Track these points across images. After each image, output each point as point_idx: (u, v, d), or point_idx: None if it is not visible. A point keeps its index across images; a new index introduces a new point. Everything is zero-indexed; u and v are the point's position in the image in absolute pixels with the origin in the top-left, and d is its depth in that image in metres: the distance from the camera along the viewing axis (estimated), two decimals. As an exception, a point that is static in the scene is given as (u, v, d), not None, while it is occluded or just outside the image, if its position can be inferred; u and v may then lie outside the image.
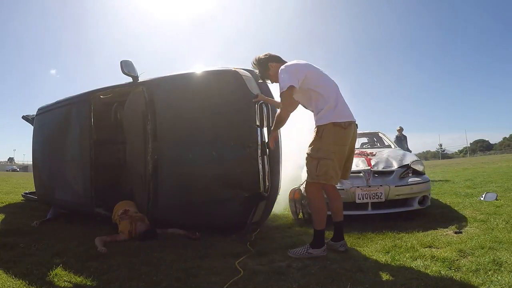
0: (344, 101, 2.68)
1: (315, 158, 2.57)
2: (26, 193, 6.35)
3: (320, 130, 2.57)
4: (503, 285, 1.90)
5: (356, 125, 2.69)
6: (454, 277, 2.04)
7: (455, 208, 4.28)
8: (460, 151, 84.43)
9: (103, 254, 2.73)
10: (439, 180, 8.18)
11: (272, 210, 3.74)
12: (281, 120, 2.67)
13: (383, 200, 3.70)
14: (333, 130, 2.53)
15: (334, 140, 2.54)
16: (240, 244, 2.96)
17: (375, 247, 2.76)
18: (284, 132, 3.56)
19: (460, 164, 18.55)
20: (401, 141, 9.65)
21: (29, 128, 5.45)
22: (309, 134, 2.76)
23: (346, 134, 2.57)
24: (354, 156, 3.99)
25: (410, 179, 3.90)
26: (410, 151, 8.60)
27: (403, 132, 9.86)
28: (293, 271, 2.30)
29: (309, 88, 2.62)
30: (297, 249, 2.66)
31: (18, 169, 48.41)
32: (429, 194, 4.03)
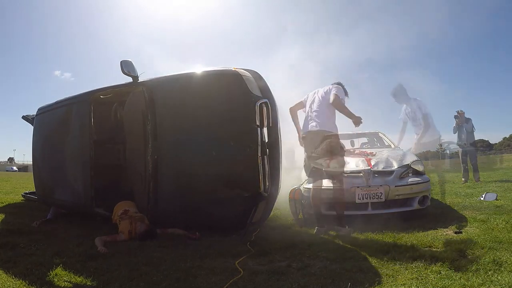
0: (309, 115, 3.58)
1: None
2: (26, 193, 6.35)
3: None
4: (503, 285, 1.90)
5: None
6: (454, 277, 2.04)
7: (455, 208, 4.28)
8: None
9: (103, 254, 2.73)
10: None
11: (272, 210, 3.74)
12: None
13: (383, 200, 3.69)
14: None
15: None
16: (240, 244, 2.96)
17: (375, 247, 2.76)
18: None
19: (460, 164, 18.45)
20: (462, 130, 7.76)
21: (29, 128, 5.45)
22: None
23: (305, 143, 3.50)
24: (354, 156, 4.12)
25: (410, 179, 3.89)
26: (476, 145, 7.83)
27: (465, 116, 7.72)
28: (293, 271, 2.30)
29: None
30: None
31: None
32: (429, 194, 4.02)
